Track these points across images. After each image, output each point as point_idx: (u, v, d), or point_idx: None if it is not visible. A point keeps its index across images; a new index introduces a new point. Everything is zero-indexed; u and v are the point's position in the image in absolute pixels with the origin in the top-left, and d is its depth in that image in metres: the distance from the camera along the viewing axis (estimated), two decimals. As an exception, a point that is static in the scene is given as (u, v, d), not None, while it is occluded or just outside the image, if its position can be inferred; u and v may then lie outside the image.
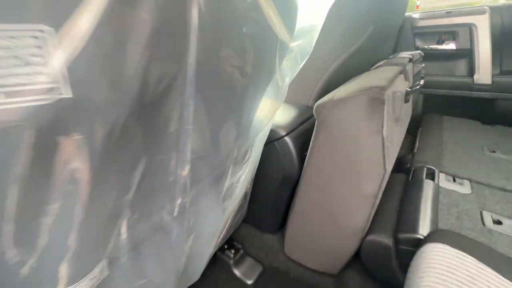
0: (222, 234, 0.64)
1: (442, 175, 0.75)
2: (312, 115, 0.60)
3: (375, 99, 0.49)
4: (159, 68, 0.24)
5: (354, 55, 0.73)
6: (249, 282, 0.79)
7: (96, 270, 0.29)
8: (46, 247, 0.22)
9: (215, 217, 0.50)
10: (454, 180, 0.73)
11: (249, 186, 0.72)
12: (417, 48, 1.26)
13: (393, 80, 0.60)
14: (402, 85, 0.63)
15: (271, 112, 0.51)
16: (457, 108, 1.22)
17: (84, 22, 0.17)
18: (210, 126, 0.35)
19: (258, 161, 0.62)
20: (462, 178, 0.73)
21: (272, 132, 0.65)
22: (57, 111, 0.18)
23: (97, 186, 0.23)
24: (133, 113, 0.24)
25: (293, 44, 0.46)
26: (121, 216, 0.28)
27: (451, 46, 1.17)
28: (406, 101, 0.63)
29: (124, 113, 0.23)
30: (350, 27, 0.71)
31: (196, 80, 0.27)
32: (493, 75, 1.10)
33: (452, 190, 0.68)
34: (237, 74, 0.34)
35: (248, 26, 0.31)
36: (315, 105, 0.57)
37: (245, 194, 0.72)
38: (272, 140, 0.67)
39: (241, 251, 0.87)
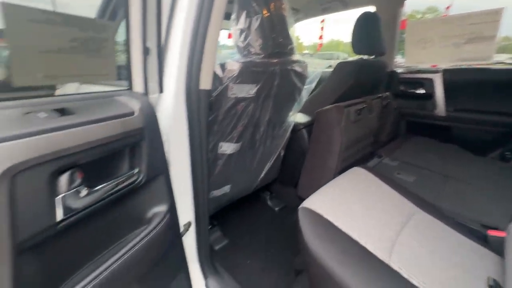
0: (261, 177, 1.33)
1: (386, 158, 1.37)
2: None
3: (339, 108, 1.19)
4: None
5: (345, 93, 1.43)
6: (276, 209, 1.47)
7: None
8: None
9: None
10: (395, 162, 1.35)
11: (282, 153, 1.42)
12: (401, 91, 1.91)
13: (355, 104, 1.29)
14: (359, 106, 1.32)
15: (295, 114, 1.25)
16: (425, 130, 1.82)
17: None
18: (277, 114, 1.10)
19: (288, 138, 1.33)
20: (397, 160, 1.35)
21: (297, 126, 1.37)
22: None
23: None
24: None
25: (305, 87, 1.20)
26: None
27: (421, 91, 1.80)
28: (358, 113, 1.30)
29: None
30: (340, 80, 1.43)
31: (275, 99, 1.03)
32: (447, 111, 1.69)
33: (386, 164, 1.31)
34: (289, 100, 1.10)
35: (294, 88, 1.08)
36: (315, 112, 1.28)
37: (279, 157, 1.41)
38: (296, 130, 1.38)
39: (273, 195, 1.56)
